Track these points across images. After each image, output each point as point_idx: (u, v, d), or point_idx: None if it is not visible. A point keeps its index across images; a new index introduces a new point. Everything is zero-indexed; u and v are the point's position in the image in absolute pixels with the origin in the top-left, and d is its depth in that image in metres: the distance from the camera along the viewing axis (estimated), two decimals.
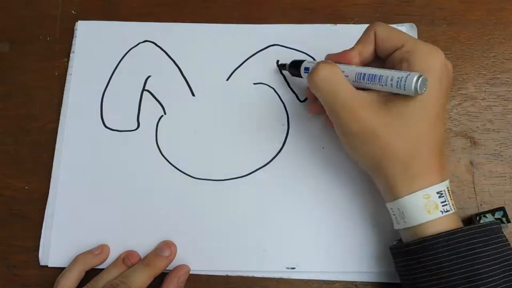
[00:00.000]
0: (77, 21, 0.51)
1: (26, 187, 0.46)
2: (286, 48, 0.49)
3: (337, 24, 0.50)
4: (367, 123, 0.35)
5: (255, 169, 0.45)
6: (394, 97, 0.35)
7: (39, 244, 0.44)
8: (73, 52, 0.49)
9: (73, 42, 0.50)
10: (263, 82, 0.48)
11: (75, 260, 0.41)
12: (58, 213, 0.44)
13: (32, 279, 0.43)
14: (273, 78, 0.48)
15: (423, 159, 0.35)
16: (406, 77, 0.33)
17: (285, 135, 0.46)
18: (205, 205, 0.44)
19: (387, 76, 0.34)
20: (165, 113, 0.47)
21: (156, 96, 0.48)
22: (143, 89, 0.48)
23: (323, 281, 0.42)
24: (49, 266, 0.43)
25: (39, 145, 0.47)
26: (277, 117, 0.47)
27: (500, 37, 0.50)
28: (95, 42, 0.50)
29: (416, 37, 0.49)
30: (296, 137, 0.46)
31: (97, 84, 0.48)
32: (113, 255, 0.43)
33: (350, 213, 0.43)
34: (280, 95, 0.47)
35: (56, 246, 0.43)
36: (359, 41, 0.39)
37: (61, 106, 0.48)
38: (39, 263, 0.43)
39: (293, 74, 0.45)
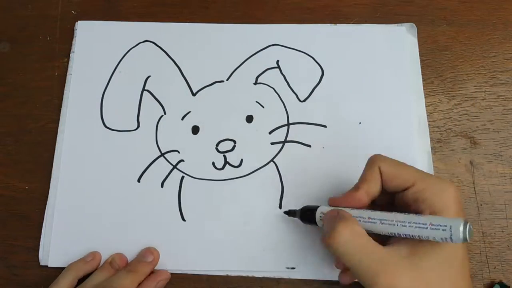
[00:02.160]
0: (77, 21, 0.51)
1: (26, 187, 0.46)
2: (286, 48, 0.49)
3: (337, 24, 0.50)
4: (401, 286, 0.31)
5: (255, 169, 0.45)
6: (423, 248, 0.32)
7: (39, 244, 0.44)
8: (73, 52, 0.49)
9: (73, 42, 0.50)
10: (263, 82, 0.48)
11: (68, 268, 0.42)
12: (58, 213, 0.44)
13: (32, 279, 0.43)
14: (273, 78, 0.48)
15: None
16: (450, 226, 0.29)
17: (285, 135, 0.46)
18: (205, 205, 0.44)
19: (419, 224, 0.31)
20: (165, 113, 0.47)
21: (156, 96, 0.48)
22: (143, 89, 0.48)
23: (323, 281, 0.42)
24: (49, 266, 0.43)
25: (39, 145, 0.47)
26: (277, 117, 0.47)
27: (500, 37, 0.50)
28: (95, 42, 0.50)
29: (416, 37, 0.49)
30: (296, 137, 0.46)
31: (97, 84, 0.48)
32: (113, 254, 0.43)
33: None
34: (280, 95, 0.47)
35: (56, 246, 0.43)
36: (363, 180, 0.36)
37: (61, 106, 0.48)
38: (39, 263, 0.43)
39: (306, 222, 0.40)
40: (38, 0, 0.53)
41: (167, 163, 0.45)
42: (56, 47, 0.50)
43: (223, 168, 0.45)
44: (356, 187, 0.36)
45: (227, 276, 0.42)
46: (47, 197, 0.45)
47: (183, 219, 0.44)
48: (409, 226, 0.31)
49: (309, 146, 0.46)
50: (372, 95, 0.47)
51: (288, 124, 0.46)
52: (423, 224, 0.31)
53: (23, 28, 0.51)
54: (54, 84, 0.49)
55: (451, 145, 0.46)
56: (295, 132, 0.46)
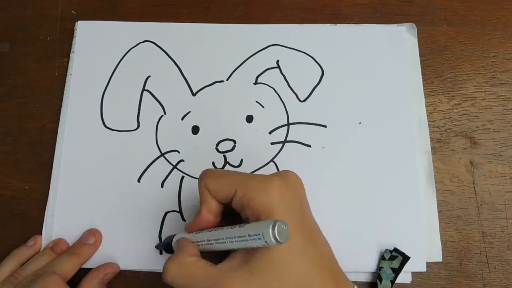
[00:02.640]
0: (77, 21, 0.51)
1: (26, 187, 0.46)
2: (286, 48, 0.49)
3: (337, 24, 0.50)
4: None
5: (255, 169, 0.45)
6: (254, 254, 0.31)
7: None
8: (73, 52, 0.49)
9: (73, 42, 0.50)
10: (263, 82, 0.48)
11: (10, 254, 0.42)
12: (58, 213, 0.44)
13: None
14: (273, 78, 0.48)
15: None
16: (262, 233, 0.28)
17: (285, 135, 0.46)
18: None
19: (241, 237, 0.30)
20: (165, 113, 0.47)
21: (156, 96, 0.48)
22: (143, 89, 0.48)
23: None
24: None
25: (39, 145, 0.47)
26: (277, 117, 0.47)
27: (500, 37, 0.50)
28: (95, 42, 0.50)
29: (416, 37, 0.49)
30: (296, 137, 0.46)
31: (97, 84, 0.48)
32: (113, 255, 0.43)
33: (349, 213, 0.43)
34: (280, 95, 0.47)
35: None
36: (201, 201, 0.35)
37: (61, 106, 0.48)
38: None
39: (167, 252, 0.40)
40: (38, 0, 0.53)
41: (167, 163, 0.45)
42: (56, 47, 0.50)
43: (223, 168, 0.45)
44: (199, 209, 0.35)
45: None
46: (47, 197, 0.45)
47: (183, 219, 0.44)
48: (236, 241, 0.31)
49: (309, 146, 0.46)
50: (372, 95, 0.47)
51: (288, 124, 0.46)
52: (243, 236, 0.30)
53: (23, 28, 0.51)
54: (54, 84, 0.49)
55: (451, 145, 0.46)
56: (295, 132, 0.46)
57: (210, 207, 0.34)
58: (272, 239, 0.28)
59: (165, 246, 0.40)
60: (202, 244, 0.34)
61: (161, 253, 0.42)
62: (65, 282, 0.39)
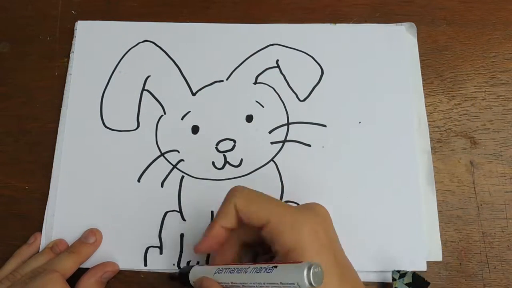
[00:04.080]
0: (77, 21, 0.51)
1: (26, 187, 0.46)
2: (285, 48, 0.49)
3: (337, 24, 0.50)
4: None
5: (255, 168, 0.45)
6: None
7: None
8: (73, 52, 0.49)
9: (73, 42, 0.50)
10: (263, 82, 0.48)
11: (13, 254, 0.42)
12: (58, 213, 0.44)
13: None
14: (272, 78, 0.48)
15: None
16: (297, 283, 0.27)
17: (285, 135, 0.46)
18: (205, 205, 0.44)
19: (272, 284, 0.29)
20: (164, 113, 0.47)
21: (156, 96, 0.48)
22: (143, 89, 0.48)
23: None
24: None
25: (39, 145, 0.47)
26: (276, 117, 0.47)
27: (500, 37, 0.50)
28: (95, 42, 0.50)
29: (416, 37, 0.49)
30: (295, 136, 0.46)
31: (97, 84, 0.48)
32: (113, 254, 0.43)
33: (349, 213, 0.43)
34: (280, 95, 0.47)
35: None
36: (218, 213, 0.34)
37: (61, 106, 0.48)
38: None
39: (185, 285, 0.39)
40: (38, 0, 0.53)
41: (167, 162, 0.45)
42: (56, 47, 0.50)
43: (223, 167, 0.45)
44: (212, 224, 0.34)
45: None
46: (47, 197, 0.45)
47: (183, 219, 0.44)
48: (265, 287, 0.29)
49: (309, 145, 0.46)
50: (372, 94, 0.47)
51: (288, 124, 0.46)
52: (275, 283, 0.29)
53: (23, 28, 0.51)
54: (54, 84, 0.49)
55: (451, 145, 0.46)
56: (295, 132, 0.46)
57: (227, 225, 0.34)
58: (307, 284, 0.27)
59: (182, 277, 0.38)
60: (226, 286, 0.33)
61: (172, 280, 0.41)
62: (65, 280, 0.39)
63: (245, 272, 0.31)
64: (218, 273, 0.33)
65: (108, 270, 0.41)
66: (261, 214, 0.32)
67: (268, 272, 0.29)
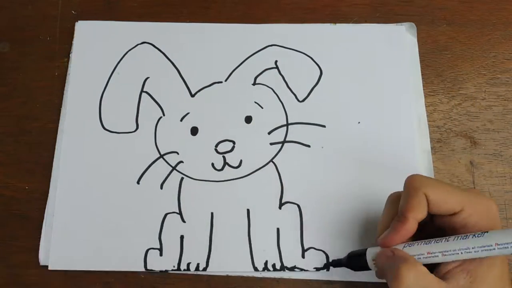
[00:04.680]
0: (77, 21, 0.51)
1: (26, 187, 0.46)
2: (284, 48, 0.49)
3: (337, 24, 0.50)
4: None
5: (254, 169, 0.45)
6: (479, 271, 0.33)
7: (39, 244, 0.43)
8: (72, 52, 0.49)
9: (72, 42, 0.50)
10: (262, 83, 0.48)
11: None
12: (58, 213, 0.44)
13: (32, 279, 0.43)
14: (271, 79, 0.48)
15: None
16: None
17: (284, 135, 0.46)
18: (205, 206, 0.44)
19: (485, 247, 0.31)
20: (164, 115, 0.47)
21: (155, 98, 0.48)
22: (142, 91, 0.48)
23: (323, 281, 0.42)
24: (49, 267, 0.43)
25: (39, 145, 0.47)
26: (276, 117, 0.47)
27: (500, 37, 0.50)
28: (94, 43, 0.50)
29: (416, 37, 0.49)
30: (295, 137, 0.46)
31: (96, 86, 0.48)
32: (113, 255, 0.43)
33: (349, 213, 0.43)
34: (279, 95, 0.47)
35: (56, 247, 0.43)
36: (409, 208, 0.34)
37: (61, 106, 0.48)
38: (39, 263, 0.43)
39: (356, 269, 0.39)
40: (38, 0, 0.53)
41: (166, 164, 0.45)
42: (56, 47, 0.51)
43: (222, 169, 0.45)
44: (404, 217, 0.34)
45: (227, 276, 0.43)
46: (47, 197, 0.45)
47: (183, 221, 0.44)
48: (475, 252, 0.31)
49: (309, 146, 0.46)
50: (372, 95, 0.47)
51: (287, 124, 0.46)
52: (488, 246, 0.31)
53: (23, 28, 0.51)
54: (54, 84, 0.49)
55: (451, 145, 0.46)
56: (294, 132, 0.46)
57: (419, 216, 0.34)
58: None
59: (352, 260, 0.39)
60: (420, 259, 0.34)
61: (334, 266, 0.41)
62: None
63: (447, 241, 0.33)
64: (409, 246, 0.34)
65: None
66: (456, 201, 0.33)
67: (478, 237, 0.31)
